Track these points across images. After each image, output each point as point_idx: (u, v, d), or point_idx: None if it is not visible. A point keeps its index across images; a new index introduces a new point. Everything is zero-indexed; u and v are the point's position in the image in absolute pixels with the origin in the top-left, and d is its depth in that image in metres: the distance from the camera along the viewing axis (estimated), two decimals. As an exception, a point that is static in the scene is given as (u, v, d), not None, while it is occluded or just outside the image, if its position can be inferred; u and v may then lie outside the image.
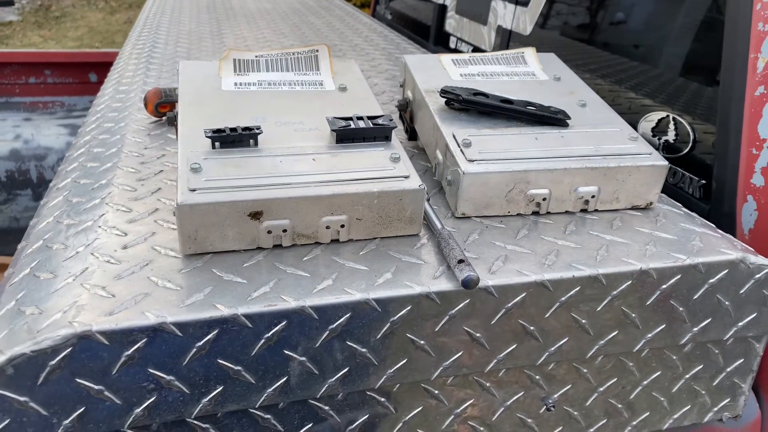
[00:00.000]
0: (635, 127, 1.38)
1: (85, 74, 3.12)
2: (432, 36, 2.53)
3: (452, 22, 2.38)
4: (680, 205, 1.06)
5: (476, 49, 2.17)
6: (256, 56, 1.09)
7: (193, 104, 0.98)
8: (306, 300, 0.73)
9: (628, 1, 1.48)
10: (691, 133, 1.25)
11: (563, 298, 0.82)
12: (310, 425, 0.81)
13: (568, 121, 1.02)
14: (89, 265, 0.78)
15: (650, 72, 1.37)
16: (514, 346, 0.83)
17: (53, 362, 0.66)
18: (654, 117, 1.34)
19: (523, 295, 0.80)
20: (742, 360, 0.97)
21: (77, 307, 0.70)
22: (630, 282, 0.83)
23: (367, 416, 0.84)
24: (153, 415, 0.72)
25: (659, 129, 1.33)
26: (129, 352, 0.68)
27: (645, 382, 0.94)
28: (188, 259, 0.80)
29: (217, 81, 1.05)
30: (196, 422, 0.76)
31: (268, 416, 0.79)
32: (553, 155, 0.94)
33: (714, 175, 1.19)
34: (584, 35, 1.60)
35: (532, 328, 0.83)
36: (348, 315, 0.74)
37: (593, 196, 0.95)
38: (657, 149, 1.33)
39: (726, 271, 0.87)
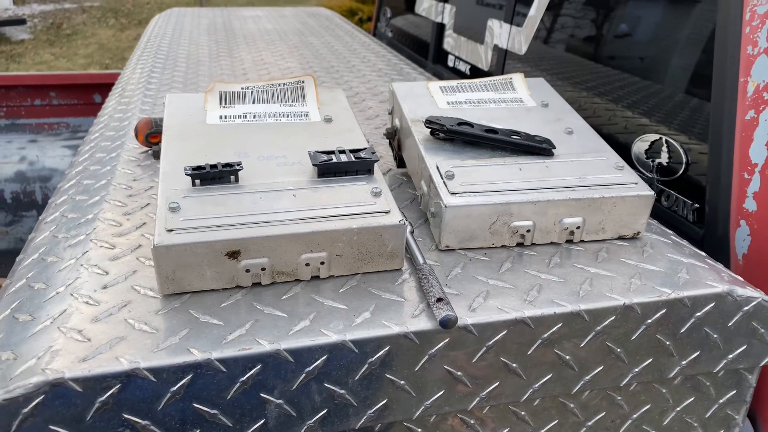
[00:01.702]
0: (630, 148, 1.37)
1: (89, 95, 3.15)
2: (431, 54, 2.54)
3: (450, 41, 2.38)
4: (671, 232, 1.05)
5: (473, 68, 2.16)
6: (242, 88, 1.10)
7: (177, 139, 0.98)
8: (281, 343, 0.72)
9: (622, 21, 1.48)
10: (683, 156, 1.24)
11: (545, 335, 0.81)
12: (291, 465, 0.81)
13: (553, 150, 1.01)
14: (68, 307, 0.78)
15: (645, 91, 1.36)
16: (496, 384, 0.82)
17: (26, 410, 0.66)
18: (648, 138, 1.33)
19: (504, 332, 0.79)
20: (734, 392, 0.96)
21: (52, 352, 0.70)
22: (614, 317, 0.82)
23: (349, 455, 0.83)
24: (129, 459, 0.72)
25: (653, 151, 1.32)
26: (103, 398, 0.68)
27: (635, 416, 0.93)
28: (166, 300, 0.80)
29: (202, 114, 1.05)
30: (173, 465, 0.75)
31: (248, 458, 0.78)
32: (537, 186, 0.93)
33: (707, 200, 1.18)
34: (580, 54, 1.59)
35: (514, 365, 0.82)
36: (325, 357, 0.74)
37: (578, 227, 0.94)
38: (651, 171, 1.32)
39: (713, 304, 0.85)
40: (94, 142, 1.39)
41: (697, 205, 1.20)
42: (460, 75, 2.27)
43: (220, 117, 1.04)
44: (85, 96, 3.14)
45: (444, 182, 0.93)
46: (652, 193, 0.94)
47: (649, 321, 0.84)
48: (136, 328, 0.74)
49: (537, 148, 1.00)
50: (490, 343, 0.79)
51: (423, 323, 0.77)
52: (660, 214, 1.28)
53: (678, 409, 0.95)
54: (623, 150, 1.38)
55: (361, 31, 2.81)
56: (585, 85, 1.56)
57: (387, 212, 0.85)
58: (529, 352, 0.81)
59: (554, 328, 0.80)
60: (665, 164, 1.29)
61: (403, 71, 2.05)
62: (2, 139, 2.98)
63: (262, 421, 0.75)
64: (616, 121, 1.44)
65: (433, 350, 0.77)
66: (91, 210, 1.03)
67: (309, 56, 2.21)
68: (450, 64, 2.38)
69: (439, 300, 0.76)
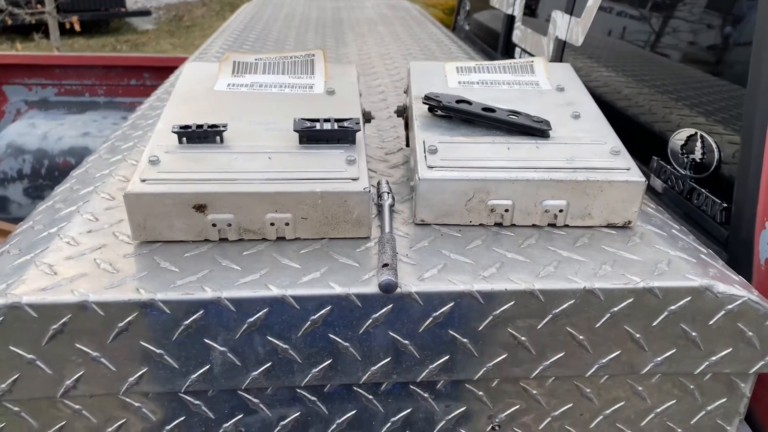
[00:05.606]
0: (667, 142, 1.29)
1: None
2: (500, 47, 2.49)
3: (518, 33, 2.33)
4: (676, 226, 0.99)
5: (535, 60, 2.11)
6: (256, 59, 1.14)
7: (181, 102, 1.03)
8: (224, 292, 0.75)
9: (674, 13, 1.39)
10: (716, 152, 1.15)
11: (497, 312, 0.79)
12: (240, 416, 0.83)
13: (550, 132, 0.98)
14: (50, 245, 0.84)
15: (690, 85, 1.28)
16: (446, 357, 0.81)
17: (-12, 328, 0.73)
18: (683, 134, 1.25)
19: (451, 304, 0.78)
20: (725, 399, 0.89)
21: (20, 281, 0.76)
22: (573, 301, 0.79)
23: (298, 413, 0.84)
24: (83, 387, 0.77)
25: (688, 147, 1.24)
26: (56, 325, 0.74)
27: (606, 412, 0.88)
28: (138, 246, 0.85)
29: (213, 82, 1.10)
30: (126, 399, 0.80)
31: (198, 402, 0.82)
32: (519, 166, 0.90)
33: (734, 199, 1.09)
34: (633, 45, 1.52)
35: (465, 340, 0.80)
36: (266, 309, 0.76)
37: (561, 210, 0.91)
38: (685, 168, 1.24)
39: (688, 298, 0.80)
40: (140, 111, 1.48)
41: (725, 205, 1.12)
42: (523, 68, 2.22)
43: (228, 85, 1.09)
44: None
45: (425, 156, 0.92)
46: (642, 179, 0.89)
47: (615, 309, 0.80)
48: (101, 267, 0.80)
49: (532, 128, 0.97)
50: (437, 313, 0.78)
51: (368, 288, 0.77)
52: (690, 213, 1.20)
53: (658, 410, 0.89)
54: (664, 144, 1.30)
55: (435, 23, 2.81)
56: (639, 76, 1.48)
57: (355, 179, 0.86)
58: (480, 328, 0.79)
59: (506, 306, 0.78)
60: (699, 160, 1.21)
61: (457, 59, 2.03)
62: (99, 114, 3.23)
63: (207, 367, 0.78)
64: (657, 110, 1.36)
65: (377, 314, 0.78)
66: (109, 167, 1.11)
67: (371, 42, 2.24)
68: (517, 56, 2.33)
69: (385, 265, 0.76)
